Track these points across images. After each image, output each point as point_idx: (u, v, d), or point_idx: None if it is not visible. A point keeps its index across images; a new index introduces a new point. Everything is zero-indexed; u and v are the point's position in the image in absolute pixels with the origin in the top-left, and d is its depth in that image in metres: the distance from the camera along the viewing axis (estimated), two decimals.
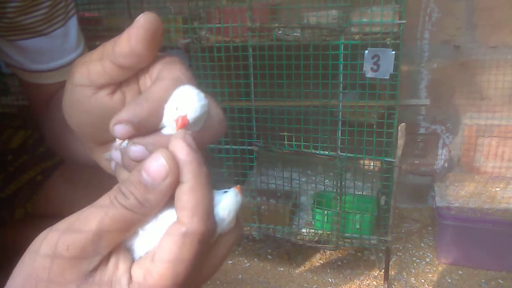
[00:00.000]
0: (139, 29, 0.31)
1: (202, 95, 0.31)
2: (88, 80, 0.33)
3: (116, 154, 0.33)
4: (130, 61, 0.31)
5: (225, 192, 0.33)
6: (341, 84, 1.09)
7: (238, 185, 0.33)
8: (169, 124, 0.31)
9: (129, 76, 0.33)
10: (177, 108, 0.30)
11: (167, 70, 0.32)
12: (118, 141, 0.33)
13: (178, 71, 0.32)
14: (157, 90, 0.31)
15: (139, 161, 0.31)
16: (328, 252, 1.42)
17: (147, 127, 0.31)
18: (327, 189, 1.27)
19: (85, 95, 0.33)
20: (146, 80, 0.33)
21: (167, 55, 0.33)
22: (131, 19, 1.16)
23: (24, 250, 0.31)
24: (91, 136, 0.36)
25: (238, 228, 0.34)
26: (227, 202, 0.32)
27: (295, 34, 1.08)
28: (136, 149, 0.31)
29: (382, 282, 1.28)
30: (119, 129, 0.30)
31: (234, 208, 0.33)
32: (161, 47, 0.32)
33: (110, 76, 0.32)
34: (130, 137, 0.31)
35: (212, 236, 0.31)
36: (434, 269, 1.35)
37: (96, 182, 0.49)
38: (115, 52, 0.31)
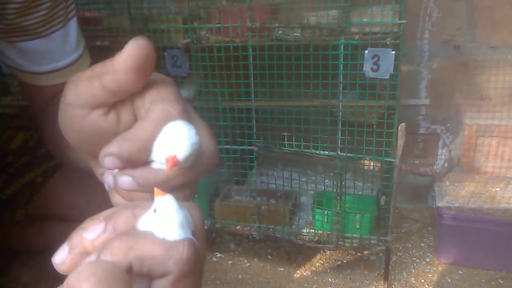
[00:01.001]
0: (127, 58, 0.30)
1: (193, 132, 0.30)
2: (81, 100, 0.32)
3: (109, 179, 0.33)
4: (117, 88, 0.31)
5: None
6: (341, 84, 1.09)
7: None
8: (159, 160, 0.31)
9: (122, 98, 0.32)
10: (166, 146, 0.29)
11: (159, 103, 0.31)
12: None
13: (170, 104, 0.31)
14: (147, 127, 0.30)
15: (128, 190, 0.32)
16: (328, 252, 1.42)
17: (135, 162, 0.31)
18: (327, 189, 1.27)
19: (78, 114, 0.32)
20: (140, 102, 0.33)
21: (161, 79, 0.33)
22: (131, 19, 1.16)
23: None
24: (86, 151, 0.36)
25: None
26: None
27: (295, 34, 1.08)
28: (124, 180, 0.31)
29: (382, 282, 1.28)
30: (108, 161, 0.30)
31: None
32: (151, 73, 0.31)
33: (99, 99, 0.31)
34: (119, 168, 0.31)
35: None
36: (434, 269, 1.35)
37: (95, 184, 0.49)
38: (102, 78, 0.30)
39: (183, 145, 0.30)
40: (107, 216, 0.29)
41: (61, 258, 0.28)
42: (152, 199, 0.29)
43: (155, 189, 0.28)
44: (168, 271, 0.26)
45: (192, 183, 0.34)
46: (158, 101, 0.31)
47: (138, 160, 0.31)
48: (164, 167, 0.30)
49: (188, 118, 0.31)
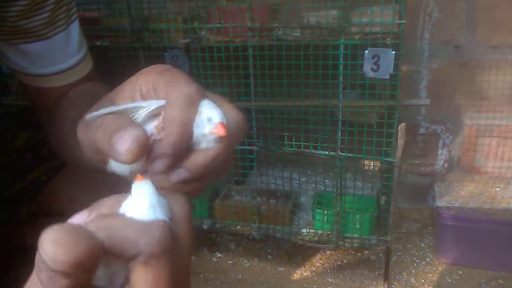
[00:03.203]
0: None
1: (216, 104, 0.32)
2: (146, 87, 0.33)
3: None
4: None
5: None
6: (341, 84, 1.09)
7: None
8: (203, 138, 0.31)
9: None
10: (208, 120, 0.30)
11: (174, 88, 0.32)
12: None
13: (185, 86, 0.32)
14: (178, 112, 0.31)
15: (182, 182, 0.32)
16: (328, 252, 1.42)
17: (181, 151, 0.31)
18: (327, 189, 1.27)
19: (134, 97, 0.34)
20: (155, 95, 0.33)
21: (161, 68, 0.33)
22: (131, 19, 1.16)
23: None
24: (102, 160, 0.36)
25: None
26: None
27: (295, 34, 1.08)
28: (177, 173, 0.32)
29: (382, 282, 1.28)
30: (160, 164, 0.31)
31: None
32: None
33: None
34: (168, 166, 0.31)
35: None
36: (434, 269, 1.35)
37: (98, 182, 0.49)
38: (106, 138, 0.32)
39: (222, 114, 0.31)
40: (93, 204, 0.29)
41: None
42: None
43: (136, 175, 0.28)
44: (139, 251, 0.26)
45: (232, 157, 0.34)
46: (173, 87, 0.32)
47: (183, 146, 0.31)
48: (209, 145, 0.31)
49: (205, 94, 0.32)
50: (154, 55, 1.18)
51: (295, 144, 1.17)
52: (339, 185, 1.18)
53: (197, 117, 0.31)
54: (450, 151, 1.55)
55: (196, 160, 0.31)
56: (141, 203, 0.27)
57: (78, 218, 0.28)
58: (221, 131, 0.30)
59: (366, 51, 1.01)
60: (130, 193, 0.28)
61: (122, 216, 0.27)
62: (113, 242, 0.26)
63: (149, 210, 0.27)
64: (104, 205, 0.29)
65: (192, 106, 0.31)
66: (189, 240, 0.29)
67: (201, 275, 1.35)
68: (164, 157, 0.31)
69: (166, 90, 0.32)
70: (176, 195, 0.30)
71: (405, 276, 1.32)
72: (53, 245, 0.23)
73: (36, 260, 0.24)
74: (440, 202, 1.33)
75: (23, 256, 0.67)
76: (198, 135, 0.31)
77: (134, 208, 0.27)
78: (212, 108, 0.31)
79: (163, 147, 0.31)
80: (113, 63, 1.19)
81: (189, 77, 0.33)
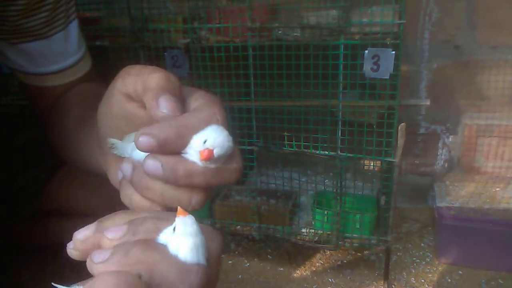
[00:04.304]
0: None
1: (231, 138, 0.33)
2: (124, 90, 0.34)
3: (126, 167, 0.34)
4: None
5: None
6: (341, 84, 1.09)
7: None
8: (192, 153, 0.32)
9: None
10: (205, 141, 0.31)
11: (208, 106, 0.33)
12: (134, 154, 0.34)
13: (217, 111, 0.33)
14: (191, 118, 0.32)
15: (151, 176, 0.32)
16: (328, 252, 1.42)
17: (170, 148, 0.31)
18: (327, 189, 1.27)
19: (119, 100, 0.35)
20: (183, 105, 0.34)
21: (211, 95, 0.35)
22: (131, 19, 1.16)
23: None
24: (112, 136, 0.37)
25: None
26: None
27: (295, 34, 1.08)
28: (152, 163, 0.31)
29: (382, 282, 1.28)
30: (143, 140, 0.30)
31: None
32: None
33: (139, 96, 0.34)
34: (150, 152, 0.31)
35: None
36: (434, 269, 1.35)
37: (97, 181, 0.49)
38: (146, 80, 0.33)
39: (220, 144, 0.32)
40: (130, 221, 0.29)
41: (84, 234, 0.29)
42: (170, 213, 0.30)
43: (178, 208, 0.28)
44: None
45: (211, 189, 0.35)
46: (208, 105, 0.33)
47: (173, 146, 0.31)
48: (196, 160, 0.32)
49: (228, 128, 0.33)
50: (154, 55, 1.18)
51: (295, 144, 1.17)
52: (339, 185, 1.18)
53: (200, 132, 0.32)
54: (450, 151, 1.55)
55: (175, 164, 0.32)
56: (185, 242, 0.27)
57: (114, 232, 0.28)
58: (203, 156, 0.31)
59: (366, 51, 1.01)
60: (172, 226, 0.28)
61: (165, 250, 0.27)
62: (152, 278, 0.26)
63: (192, 252, 0.27)
64: (141, 226, 0.29)
65: (204, 122, 0.32)
66: (217, 279, 0.30)
67: None
68: (152, 137, 0.31)
69: (202, 103, 0.34)
70: (213, 231, 0.30)
71: (405, 276, 1.32)
72: None
73: None
74: (440, 202, 1.33)
75: (23, 256, 0.67)
76: (192, 146, 0.32)
77: (177, 245, 0.27)
78: (214, 134, 0.32)
79: (158, 129, 0.31)
80: (113, 63, 1.19)
81: (225, 110, 0.35)
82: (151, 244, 0.27)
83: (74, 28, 0.59)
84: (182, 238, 0.27)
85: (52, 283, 0.28)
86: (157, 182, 0.32)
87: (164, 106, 0.32)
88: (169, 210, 0.33)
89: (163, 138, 0.31)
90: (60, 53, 0.58)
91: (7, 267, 0.66)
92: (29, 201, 0.66)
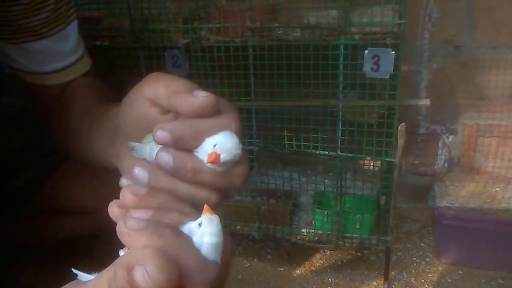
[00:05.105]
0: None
1: (241, 146, 0.35)
2: (150, 96, 0.37)
3: (141, 172, 0.36)
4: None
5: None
6: (341, 84, 1.09)
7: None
8: (202, 154, 0.34)
9: None
10: (215, 145, 0.33)
11: (226, 115, 0.36)
12: (149, 148, 0.36)
13: (233, 119, 0.36)
14: (207, 123, 0.35)
15: (161, 168, 0.34)
16: (328, 252, 1.42)
17: (183, 146, 0.34)
18: (327, 189, 1.27)
19: (142, 103, 0.37)
20: None
21: (230, 104, 0.38)
22: (131, 19, 1.16)
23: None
24: (130, 133, 0.39)
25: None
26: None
27: (295, 34, 1.08)
28: (164, 155, 0.34)
29: (382, 282, 1.28)
30: (160, 133, 0.33)
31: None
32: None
33: (164, 106, 0.37)
34: (165, 146, 0.34)
35: None
36: (434, 269, 1.35)
37: (100, 178, 0.50)
38: (175, 101, 0.35)
39: (229, 150, 0.34)
40: (156, 208, 0.31)
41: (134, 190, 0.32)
42: (184, 214, 0.32)
43: (205, 206, 0.31)
44: (191, 284, 0.27)
45: (222, 192, 0.37)
46: (227, 114, 0.36)
47: (187, 144, 0.34)
48: (204, 161, 0.34)
49: (241, 137, 0.36)
50: (154, 55, 1.18)
51: (295, 144, 1.17)
52: (339, 185, 1.18)
53: (212, 136, 0.34)
54: (450, 151, 1.55)
55: (185, 160, 0.34)
56: (209, 240, 0.29)
57: (143, 214, 0.30)
58: (210, 159, 0.33)
59: (366, 51, 1.01)
60: (198, 221, 0.30)
61: (190, 243, 0.29)
62: (177, 263, 0.27)
63: (213, 249, 0.29)
64: (167, 217, 0.31)
65: (218, 127, 0.35)
66: (225, 280, 0.31)
67: None
68: (168, 132, 0.33)
69: (221, 110, 0.36)
70: (228, 235, 0.32)
71: (405, 276, 1.32)
72: (157, 269, 0.25)
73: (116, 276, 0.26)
74: (440, 202, 1.33)
75: (23, 254, 0.67)
76: (203, 148, 0.34)
77: (201, 240, 0.29)
78: (225, 140, 0.34)
79: (175, 126, 0.34)
80: (113, 63, 1.19)
81: (241, 121, 0.38)
82: (180, 232, 0.29)
83: (73, 28, 0.60)
84: (207, 235, 0.29)
85: (72, 269, 0.30)
86: (173, 182, 0.35)
87: (200, 93, 0.34)
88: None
89: (178, 135, 0.33)
90: (60, 53, 0.59)
91: (7, 267, 0.66)
92: (28, 199, 0.66)
